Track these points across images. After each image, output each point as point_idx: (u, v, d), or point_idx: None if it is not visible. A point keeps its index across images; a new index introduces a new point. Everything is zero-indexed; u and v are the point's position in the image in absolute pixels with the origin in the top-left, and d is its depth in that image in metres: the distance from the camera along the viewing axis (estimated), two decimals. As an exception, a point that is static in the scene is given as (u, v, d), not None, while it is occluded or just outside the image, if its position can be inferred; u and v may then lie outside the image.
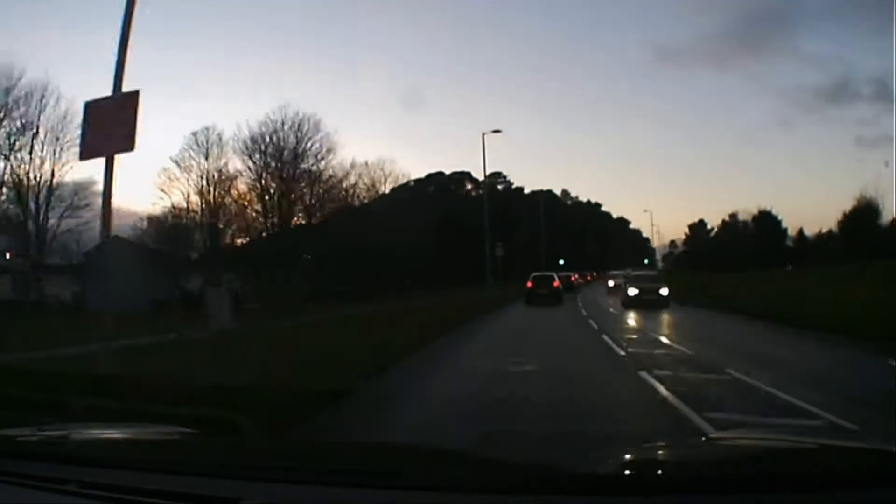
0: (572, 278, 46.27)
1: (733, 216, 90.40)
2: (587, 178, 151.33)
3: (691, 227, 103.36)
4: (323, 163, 47.13)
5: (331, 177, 48.30)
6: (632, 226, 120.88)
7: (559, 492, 1.47)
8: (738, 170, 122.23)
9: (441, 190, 78.55)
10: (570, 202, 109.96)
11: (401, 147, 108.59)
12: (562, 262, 60.47)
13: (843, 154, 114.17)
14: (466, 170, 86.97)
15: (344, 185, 51.38)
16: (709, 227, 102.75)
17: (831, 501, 1.37)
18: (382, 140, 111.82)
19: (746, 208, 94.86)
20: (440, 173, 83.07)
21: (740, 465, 1.73)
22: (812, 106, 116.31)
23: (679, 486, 1.47)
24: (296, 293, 38.87)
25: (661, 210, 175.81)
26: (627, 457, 1.92)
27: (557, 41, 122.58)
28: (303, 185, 47.23)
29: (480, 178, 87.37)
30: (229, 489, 1.50)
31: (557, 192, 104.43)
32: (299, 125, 46.21)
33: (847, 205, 67.50)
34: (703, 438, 2.07)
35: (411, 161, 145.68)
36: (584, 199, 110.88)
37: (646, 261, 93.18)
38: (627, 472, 1.72)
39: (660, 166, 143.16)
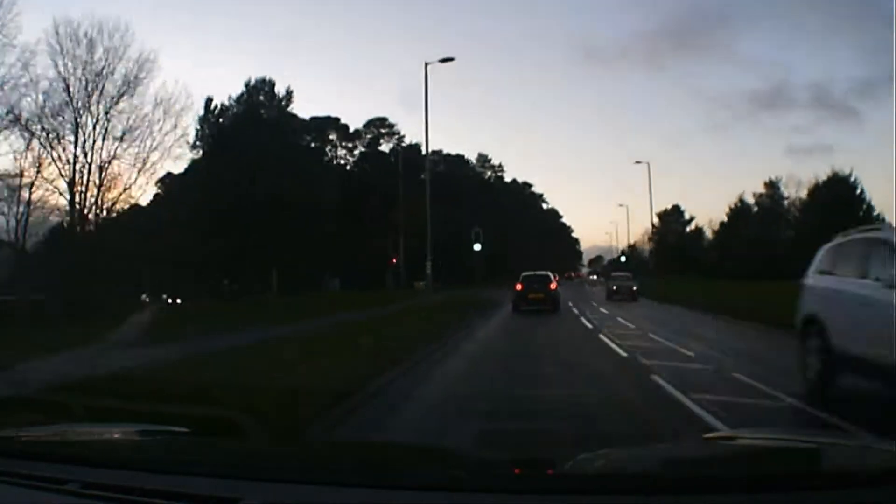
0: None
1: (773, 185, 58.15)
2: (507, 158, 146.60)
3: (662, 216, 74.56)
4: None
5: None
6: (563, 220, 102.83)
7: (558, 492, 1.48)
8: (667, 172, 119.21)
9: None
10: (489, 174, 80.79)
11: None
12: (478, 246, 41.46)
13: (775, 161, 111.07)
14: (335, 115, 61.89)
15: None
16: (686, 216, 76.43)
17: (831, 501, 1.37)
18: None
19: (792, 174, 71.93)
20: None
21: (740, 465, 1.73)
22: (744, 111, 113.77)
23: (679, 486, 1.47)
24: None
25: (584, 210, 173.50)
26: (627, 457, 1.92)
27: (485, 26, 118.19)
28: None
29: (354, 125, 61.86)
30: (229, 489, 1.50)
31: (472, 157, 77.48)
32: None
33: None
34: (703, 438, 2.08)
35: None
36: (509, 177, 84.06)
37: (619, 260, 72.97)
38: (627, 472, 1.72)
39: (584, 164, 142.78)
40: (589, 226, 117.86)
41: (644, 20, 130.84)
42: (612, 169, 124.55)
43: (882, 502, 1.37)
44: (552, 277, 25.28)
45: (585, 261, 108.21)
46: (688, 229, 76.56)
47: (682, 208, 78.40)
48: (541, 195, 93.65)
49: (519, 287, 24.33)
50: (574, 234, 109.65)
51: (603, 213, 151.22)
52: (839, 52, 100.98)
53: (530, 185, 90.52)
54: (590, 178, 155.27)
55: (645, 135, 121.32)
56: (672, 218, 77.66)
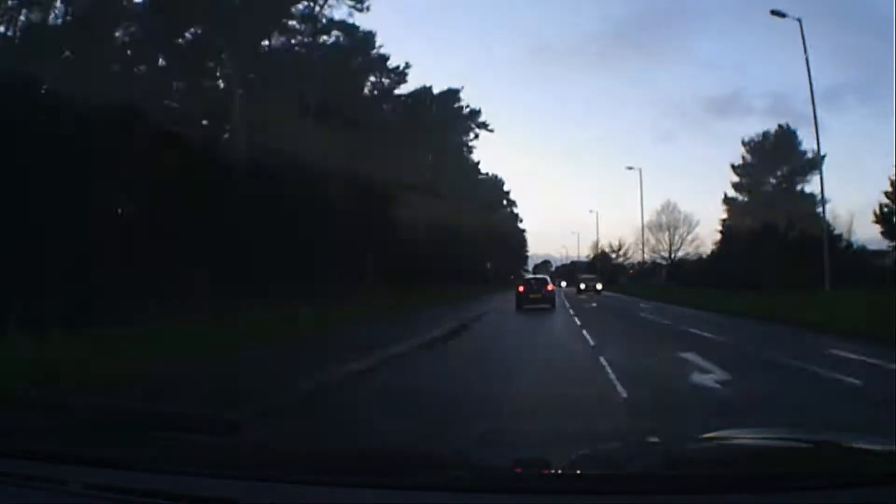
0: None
1: None
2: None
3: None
4: None
5: None
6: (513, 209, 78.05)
7: (558, 492, 1.48)
8: (619, 176, 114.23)
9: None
10: (378, 76, 41.11)
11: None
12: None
13: (725, 171, 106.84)
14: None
15: None
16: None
17: (831, 501, 1.37)
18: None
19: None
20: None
21: (739, 465, 1.73)
22: (697, 118, 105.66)
23: (678, 486, 1.47)
24: None
25: (530, 215, 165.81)
26: (626, 457, 1.92)
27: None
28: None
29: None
30: (229, 489, 1.50)
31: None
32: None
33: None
34: (702, 437, 2.07)
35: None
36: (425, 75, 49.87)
37: None
38: (626, 472, 1.72)
39: (532, 167, 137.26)
40: (530, 230, 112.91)
41: (596, 20, 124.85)
42: (562, 174, 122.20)
43: (882, 502, 1.36)
44: (548, 280, 31.79)
45: (530, 266, 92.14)
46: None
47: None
48: (485, 123, 51.62)
49: (521, 289, 29.17)
50: (522, 227, 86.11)
51: (547, 216, 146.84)
52: (798, 60, 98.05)
53: (477, 112, 49.59)
54: (536, 184, 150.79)
55: (596, 139, 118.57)
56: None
